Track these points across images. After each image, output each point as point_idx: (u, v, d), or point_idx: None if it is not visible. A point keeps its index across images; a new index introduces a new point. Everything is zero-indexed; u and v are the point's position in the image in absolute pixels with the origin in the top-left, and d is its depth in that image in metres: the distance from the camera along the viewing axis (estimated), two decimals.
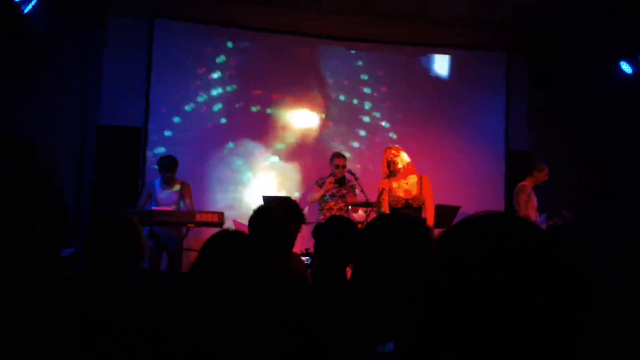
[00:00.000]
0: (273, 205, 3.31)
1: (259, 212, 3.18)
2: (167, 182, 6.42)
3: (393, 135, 7.99)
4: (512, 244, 0.85)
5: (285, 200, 3.60)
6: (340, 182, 6.60)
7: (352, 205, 6.55)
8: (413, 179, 5.46)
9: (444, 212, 6.11)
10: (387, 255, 1.87)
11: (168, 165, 6.33)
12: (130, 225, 2.67)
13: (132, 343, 1.95)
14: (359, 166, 7.55)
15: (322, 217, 6.28)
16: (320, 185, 6.63)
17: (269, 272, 2.78)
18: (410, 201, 5.35)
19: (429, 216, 5.39)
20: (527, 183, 6.73)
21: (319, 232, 3.04)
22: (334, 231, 2.96)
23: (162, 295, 2.16)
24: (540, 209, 6.66)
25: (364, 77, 8.02)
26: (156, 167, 6.48)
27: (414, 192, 5.39)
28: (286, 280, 2.95)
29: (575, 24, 7.27)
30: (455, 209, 6.39)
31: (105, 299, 2.29)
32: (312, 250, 4.16)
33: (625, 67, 7.46)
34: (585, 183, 7.83)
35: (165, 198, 6.40)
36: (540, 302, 0.81)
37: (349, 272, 2.98)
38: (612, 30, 7.16)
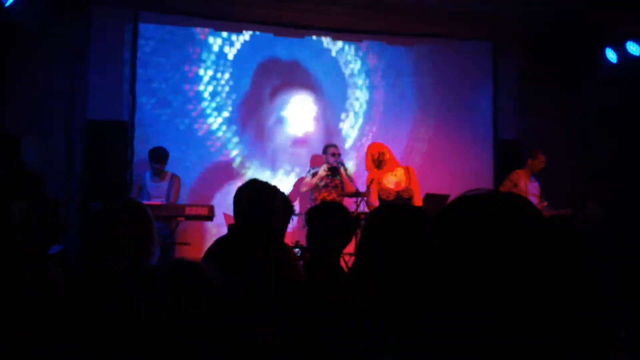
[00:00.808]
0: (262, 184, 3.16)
1: (244, 188, 3.07)
2: (157, 174, 6.43)
3: (380, 126, 7.98)
4: (507, 223, 0.83)
5: (274, 190, 3.56)
6: (334, 172, 6.62)
7: (342, 196, 6.57)
8: (400, 171, 5.50)
9: (434, 201, 6.13)
10: (394, 247, 1.86)
11: (159, 156, 6.35)
12: (144, 216, 2.40)
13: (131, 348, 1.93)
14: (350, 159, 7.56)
15: None
16: (313, 175, 6.64)
17: (265, 265, 2.75)
18: (401, 193, 5.39)
19: (418, 205, 5.42)
20: (521, 171, 6.77)
21: (312, 216, 2.91)
22: (329, 217, 2.86)
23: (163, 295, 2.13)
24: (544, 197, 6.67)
25: (353, 68, 7.99)
26: (145, 159, 6.49)
27: (404, 183, 5.43)
28: (283, 273, 2.91)
29: (561, 14, 7.29)
30: (445, 197, 6.40)
31: (107, 299, 2.23)
32: (303, 242, 4.14)
33: (611, 56, 7.49)
34: (575, 172, 7.87)
35: (156, 190, 6.42)
36: (536, 290, 0.80)
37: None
38: (598, 19, 7.18)
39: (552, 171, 7.32)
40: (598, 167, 7.73)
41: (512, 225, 0.83)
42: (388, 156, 5.50)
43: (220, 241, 3.03)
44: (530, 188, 6.58)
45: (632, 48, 7.17)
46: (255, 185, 3.10)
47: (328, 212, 2.89)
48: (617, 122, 7.64)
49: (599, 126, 7.84)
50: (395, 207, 2.45)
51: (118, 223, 2.36)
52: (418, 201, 5.46)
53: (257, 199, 3.00)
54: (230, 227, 3.14)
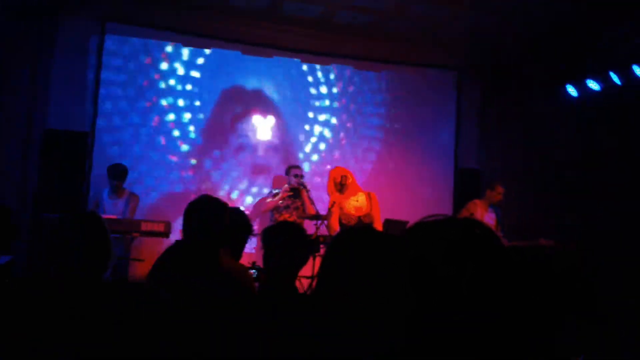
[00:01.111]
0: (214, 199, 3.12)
1: (193, 202, 3.02)
2: (115, 192, 6.32)
3: (342, 151, 8.00)
4: (478, 234, 0.89)
5: (223, 206, 3.49)
6: (295, 193, 6.58)
7: (303, 218, 6.54)
8: (362, 196, 5.50)
9: (393, 226, 6.14)
10: (357, 269, 1.85)
11: (117, 173, 6.25)
12: (100, 229, 2.37)
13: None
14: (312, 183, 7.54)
15: None
16: (275, 195, 6.60)
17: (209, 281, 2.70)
18: (362, 218, 5.39)
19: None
20: (478, 201, 6.85)
21: (268, 236, 2.84)
22: (285, 236, 2.81)
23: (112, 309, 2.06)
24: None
25: (315, 91, 8.02)
26: (104, 173, 6.36)
27: (365, 209, 5.43)
28: (230, 290, 2.86)
29: (524, 47, 7.47)
30: (404, 223, 6.43)
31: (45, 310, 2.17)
32: (259, 263, 4.08)
33: (571, 90, 7.69)
34: (532, 201, 7.99)
35: (113, 208, 6.31)
36: (507, 295, 0.84)
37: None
38: (560, 54, 7.38)
39: (509, 202, 7.43)
40: (552, 201, 7.88)
41: (483, 236, 0.89)
42: (350, 180, 5.50)
43: (165, 256, 2.95)
44: (486, 218, 6.65)
45: (592, 84, 7.37)
46: (205, 200, 3.06)
47: (284, 232, 2.84)
48: (576, 153, 7.82)
49: (556, 160, 8.00)
50: (358, 230, 2.44)
51: (74, 233, 2.30)
52: (378, 226, 5.47)
53: (206, 214, 2.95)
54: (176, 242, 3.08)
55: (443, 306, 0.84)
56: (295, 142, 7.91)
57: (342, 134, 8.05)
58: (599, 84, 7.33)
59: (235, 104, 7.69)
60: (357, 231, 2.43)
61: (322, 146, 7.98)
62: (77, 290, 2.10)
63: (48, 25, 6.84)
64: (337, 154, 7.96)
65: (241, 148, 7.69)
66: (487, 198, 6.88)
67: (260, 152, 7.75)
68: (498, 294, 0.84)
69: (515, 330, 0.83)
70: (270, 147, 7.78)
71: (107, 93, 7.12)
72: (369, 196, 5.51)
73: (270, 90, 7.82)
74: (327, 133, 8.01)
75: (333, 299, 1.92)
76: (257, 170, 7.72)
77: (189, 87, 7.50)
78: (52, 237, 2.30)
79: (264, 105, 7.78)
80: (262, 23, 7.53)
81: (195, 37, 7.45)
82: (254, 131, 7.73)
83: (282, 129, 7.85)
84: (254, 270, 4.58)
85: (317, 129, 7.99)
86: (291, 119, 7.89)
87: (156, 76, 7.38)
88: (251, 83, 7.77)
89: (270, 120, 7.80)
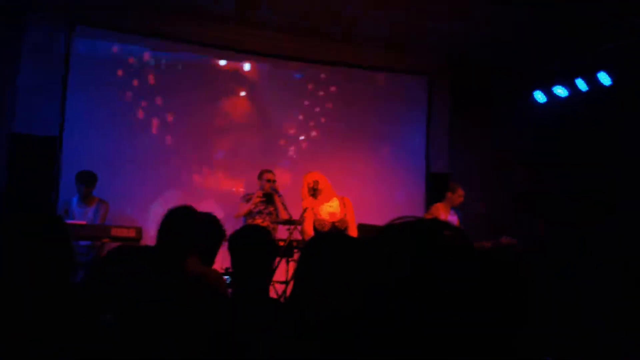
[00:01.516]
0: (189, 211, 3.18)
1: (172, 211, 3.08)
2: (84, 199, 6.22)
3: (314, 155, 8.01)
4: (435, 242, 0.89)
5: (206, 216, 3.51)
6: (268, 198, 6.56)
7: (276, 224, 6.52)
8: (336, 202, 5.49)
9: (366, 231, 6.15)
10: (329, 274, 1.86)
11: (85, 179, 6.15)
12: (61, 232, 2.24)
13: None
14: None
15: None
16: (247, 200, 6.56)
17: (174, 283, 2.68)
18: (336, 224, 5.38)
19: (353, 236, 5.42)
20: (440, 204, 6.94)
21: (232, 242, 2.82)
22: (249, 241, 2.79)
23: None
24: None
25: (286, 95, 8.01)
26: (73, 179, 6.26)
27: (339, 214, 5.42)
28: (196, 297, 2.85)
29: (494, 52, 7.57)
30: (377, 227, 6.46)
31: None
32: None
33: (539, 96, 7.84)
34: (501, 205, 8.11)
35: (82, 216, 6.21)
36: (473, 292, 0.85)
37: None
38: (528, 60, 7.51)
39: (475, 205, 7.53)
40: (520, 202, 8.01)
41: (451, 236, 0.90)
42: (323, 185, 5.49)
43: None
44: (448, 221, 6.72)
45: (559, 90, 7.53)
46: (184, 211, 3.08)
47: (247, 237, 2.83)
48: (544, 156, 7.96)
49: (523, 163, 8.14)
50: (330, 236, 2.45)
51: (30, 236, 2.17)
52: (353, 232, 5.47)
53: (184, 223, 2.96)
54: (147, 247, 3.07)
55: (416, 307, 0.84)
56: (268, 146, 7.89)
57: (312, 138, 8.06)
58: (566, 90, 7.49)
59: (209, 107, 7.65)
60: (328, 237, 2.45)
61: (293, 151, 7.98)
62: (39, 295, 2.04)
63: (14, 27, 6.71)
64: (307, 157, 7.95)
65: (214, 151, 7.65)
66: (448, 200, 6.99)
67: (234, 156, 7.72)
68: (468, 294, 0.85)
69: (483, 331, 0.85)
70: (243, 151, 7.75)
71: (76, 96, 7.00)
72: (342, 201, 5.50)
73: (242, 93, 7.80)
74: (298, 136, 8.01)
75: (308, 302, 1.93)
76: (231, 175, 7.68)
77: (159, 89, 7.42)
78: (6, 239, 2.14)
79: (237, 108, 7.75)
80: (232, 27, 7.48)
81: (164, 40, 7.38)
82: (228, 134, 7.69)
83: (255, 133, 7.83)
84: (227, 277, 4.55)
85: (289, 132, 7.98)
86: (264, 123, 7.88)
87: (128, 79, 7.29)
88: (224, 86, 7.74)
89: (243, 123, 7.78)
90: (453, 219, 6.89)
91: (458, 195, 6.97)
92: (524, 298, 0.92)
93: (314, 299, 1.93)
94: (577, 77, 7.25)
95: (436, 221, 0.95)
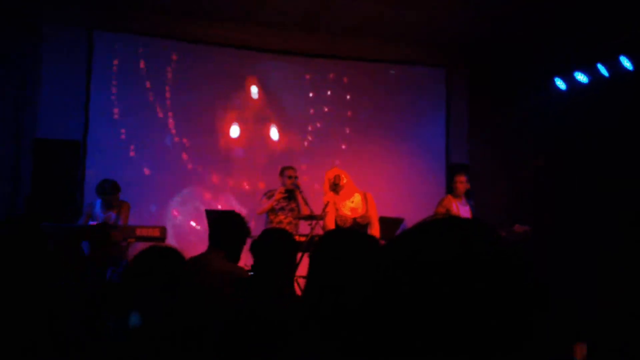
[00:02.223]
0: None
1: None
2: (107, 205, 6.30)
3: (333, 150, 8.02)
4: (472, 246, 0.85)
5: (230, 214, 3.58)
6: (290, 194, 6.59)
7: (298, 219, 6.54)
8: (357, 197, 5.49)
9: (388, 225, 6.16)
10: (340, 270, 1.87)
11: (107, 189, 6.21)
12: (38, 238, 2.37)
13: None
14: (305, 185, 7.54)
15: None
16: (269, 197, 6.60)
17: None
18: (358, 219, 5.39)
19: (375, 232, 5.43)
20: (449, 196, 6.93)
21: (255, 246, 2.91)
22: (271, 244, 2.86)
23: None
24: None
25: (307, 92, 8.03)
26: (97, 181, 6.34)
27: (360, 210, 5.43)
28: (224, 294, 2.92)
29: (512, 41, 7.51)
30: (399, 220, 6.46)
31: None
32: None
33: (560, 84, 7.74)
34: (521, 195, 8.06)
35: (105, 219, 6.27)
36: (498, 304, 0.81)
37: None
38: (547, 48, 7.43)
39: (495, 194, 7.50)
40: (539, 190, 7.95)
41: (475, 249, 0.85)
42: (345, 181, 5.49)
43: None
44: (462, 212, 6.70)
45: (580, 77, 7.42)
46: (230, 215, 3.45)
47: (270, 241, 2.90)
48: (564, 146, 7.88)
49: (545, 151, 8.07)
50: (344, 232, 2.47)
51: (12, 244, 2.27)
52: (376, 227, 5.45)
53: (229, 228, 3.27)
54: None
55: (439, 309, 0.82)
56: (290, 144, 7.92)
57: (332, 134, 8.06)
58: (587, 77, 7.39)
59: (230, 109, 7.69)
60: (340, 234, 2.47)
61: (312, 147, 8.00)
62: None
63: (35, 33, 6.82)
64: (329, 153, 7.96)
65: (237, 153, 7.70)
66: (454, 191, 6.98)
67: (256, 157, 7.76)
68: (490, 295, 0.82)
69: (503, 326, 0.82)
70: (264, 151, 7.79)
71: (98, 99, 7.10)
72: (364, 197, 5.50)
73: (265, 94, 7.83)
74: (318, 133, 8.02)
75: (321, 297, 1.94)
76: (255, 174, 7.73)
77: (178, 89, 7.48)
78: None
79: (255, 108, 7.79)
80: (248, 26, 7.53)
81: (184, 42, 7.44)
82: (249, 135, 7.74)
83: (277, 132, 7.86)
84: (252, 274, 4.59)
85: (309, 129, 7.99)
86: (285, 122, 7.90)
87: (148, 82, 7.36)
88: (247, 87, 7.78)
89: (266, 123, 7.82)
90: (465, 209, 6.85)
91: (458, 182, 6.94)
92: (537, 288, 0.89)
93: (324, 295, 1.94)
94: (598, 62, 7.14)
95: (472, 222, 0.91)
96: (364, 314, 0.87)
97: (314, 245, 2.21)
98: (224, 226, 3.56)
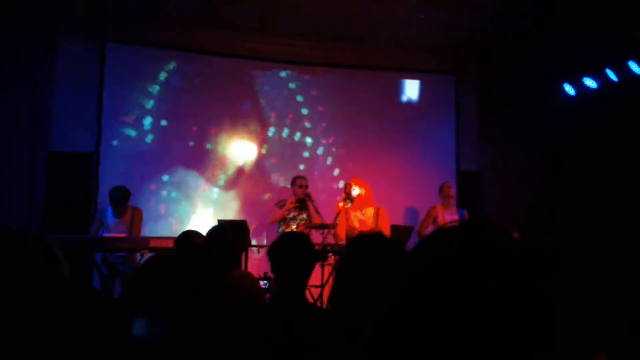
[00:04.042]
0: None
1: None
2: (118, 212, 6.36)
3: (343, 158, 8.04)
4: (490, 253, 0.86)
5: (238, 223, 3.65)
6: (301, 204, 6.63)
7: (309, 228, 6.58)
8: (370, 211, 5.51)
9: (398, 233, 6.18)
10: (371, 275, 1.88)
11: (119, 198, 6.27)
12: (49, 250, 2.43)
13: None
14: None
15: None
16: (281, 207, 6.64)
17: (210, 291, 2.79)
18: (364, 233, 5.40)
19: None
20: (438, 206, 7.03)
21: (273, 250, 2.85)
22: (288, 249, 2.81)
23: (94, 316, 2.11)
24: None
25: (313, 102, 8.06)
26: (109, 191, 6.41)
27: (369, 224, 5.45)
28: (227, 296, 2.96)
29: (521, 48, 7.52)
30: (409, 229, 6.48)
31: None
32: (270, 274, 4.14)
33: (569, 89, 7.74)
34: (532, 202, 8.04)
35: (116, 226, 6.33)
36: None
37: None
38: (556, 53, 7.43)
39: (506, 200, 7.49)
40: (554, 197, 7.93)
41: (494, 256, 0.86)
42: (358, 192, 5.52)
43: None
44: (447, 220, 6.79)
45: (589, 82, 7.42)
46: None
47: (288, 245, 2.84)
48: (574, 152, 7.87)
49: (556, 159, 8.06)
50: (371, 236, 2.47)
51: (25, 256, 2.33)
52: None
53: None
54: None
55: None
56: (297, 154, 7.95)
57: (340, 142, 8.08)
58: (595, 82, 7.39)
59: (236, 119, 7.74)
60: (367, 238, 2.47)
61: (322, 156, 8.02)
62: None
63: (48, 47, 6.91)
64: (337, 162, 7.99)
65: (244, 157, 7.74)
66: (443, 199, 7.07)
67: (263, 168, 7.80)
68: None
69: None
70: (272, 163, 7.83)
71: (110, 111, 7.19)
72: (377, 211, 5.52)
73: (266, 104, 7.87)
74: (326, 142, 8.04)
75: (349, 307, 1.95)
76: (262, 186, 7.77)
77: (189, 99, 7.55)
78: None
79: (261, 120, 7.83)
80: (255, 36, 7.59)
81: (193, 53, 7.51)
82: (253, 148, 7.79)
83: (281, 143, 7.90)
84: (265, 281, 4.62)
85: (315, 139, 8.02)
86: (288, 131, 7.94)
87: (158, 92, 7.43)
88: (250, 98, 7.82)
89: (269, 128, 7.86)
90: (454, 218, 6.90)
91: (444, 189, 7.06)
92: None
93: (354, 304, 1.94)
94: (606, 67, 7.13)
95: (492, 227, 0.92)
96: (393, 320, 0.88)
97: (343, 253, 2.21)
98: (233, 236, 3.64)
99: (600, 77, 7.30)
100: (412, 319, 0.86)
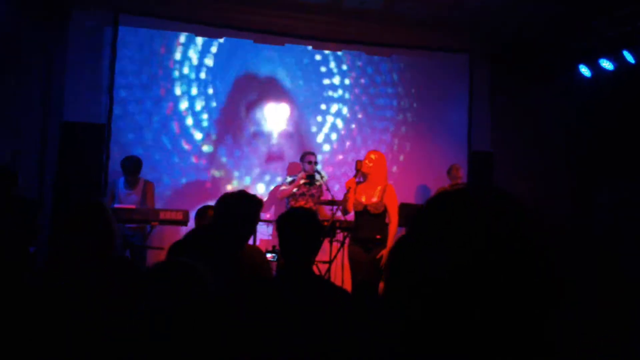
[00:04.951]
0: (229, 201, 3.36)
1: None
2: (130, 183, 6.39)
3: (358, 138, 8.02)
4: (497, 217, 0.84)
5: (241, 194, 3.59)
6: (311, 180, 6.63)
7: (319, 205, 6.59)
8: (378, 188, 5.47)
9: (409, 211, 6.18)
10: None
11: (131, 166, 6.30)
12: (104, 214, 2.65)
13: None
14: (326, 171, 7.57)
15: None
16: (290, 183, 6.65)
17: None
18: (369, 207, 5.38)
19: (393, 222, 5.42)
20: (440, 188, 6.97)
21: (281, 223, 2.86)
22: (296, 223, 2.82)
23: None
24: None
25: (328, 78, 8.02)
26: (120, 161, 6.45)
27: (375, 199, 5.41)
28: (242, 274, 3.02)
29: (535, 26, 7.42)
30: (419, 207, 6.47)
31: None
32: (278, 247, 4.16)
33: (584, 70, 7.64)
34: (544, 183, 8.00)
35: (128, 198, 6.37)
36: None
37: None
38: (572, 34, 7.33)
39: (519, 182, 7.45)
40: (564, 182, 7.89)
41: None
42: (367, 167, 5.49)
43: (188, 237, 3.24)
44: None
45: (605, 64, 7.32)
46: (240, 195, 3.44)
47: (295, 218, 2.85)
48: (588, 134, 7.80)
49: (569, 141, 7.99)
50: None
51: (81, 221, 2.60)
52: (394, 217, 5.44)
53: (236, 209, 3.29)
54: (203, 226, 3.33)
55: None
56: (308, 131, 7.93)
57: (354, 121, 8.05)
58: (612, 64, 7.28)
59: (249, 92, 7.73)
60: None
61: (335, 134, 8.00)
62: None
63: (61, 18, 6.90)
64: (349, 141, 7.97)
65: (254, 136, 7.74)
66: (451, 180, 7.06)
67: (274, 140, 7.79)
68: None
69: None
70: (284, 136, 7.82)
71: (121, 82, 7.19)
72: (384, 188, 5.48)
73: (283, 78, 7.84)
74: (339, 120, 8.01)
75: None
76: (271, 158, 7.77)
77: (202, 75, 7.54)
78: (62, 226, 2.63)
79: (277, 93, 7.81)
80: (273, 10, 7.53)
81: (207, 26, 7.47)
82: (267, 119, 7.77)
83: (296, 117, 7.88)
84: (274, 254, 4.65)
85: (329, 116, 8.00)
86: (304, 108, 7.91)
87: (170, 64, 7.43)
88: (264, 71, 7.79)
89: (284, 108, 7.83)
90: None
91: (453, 171, 7.04)
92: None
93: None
94: (623, 48, 7.02)
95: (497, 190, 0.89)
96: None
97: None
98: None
99: (617, 58, 7.19)
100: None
